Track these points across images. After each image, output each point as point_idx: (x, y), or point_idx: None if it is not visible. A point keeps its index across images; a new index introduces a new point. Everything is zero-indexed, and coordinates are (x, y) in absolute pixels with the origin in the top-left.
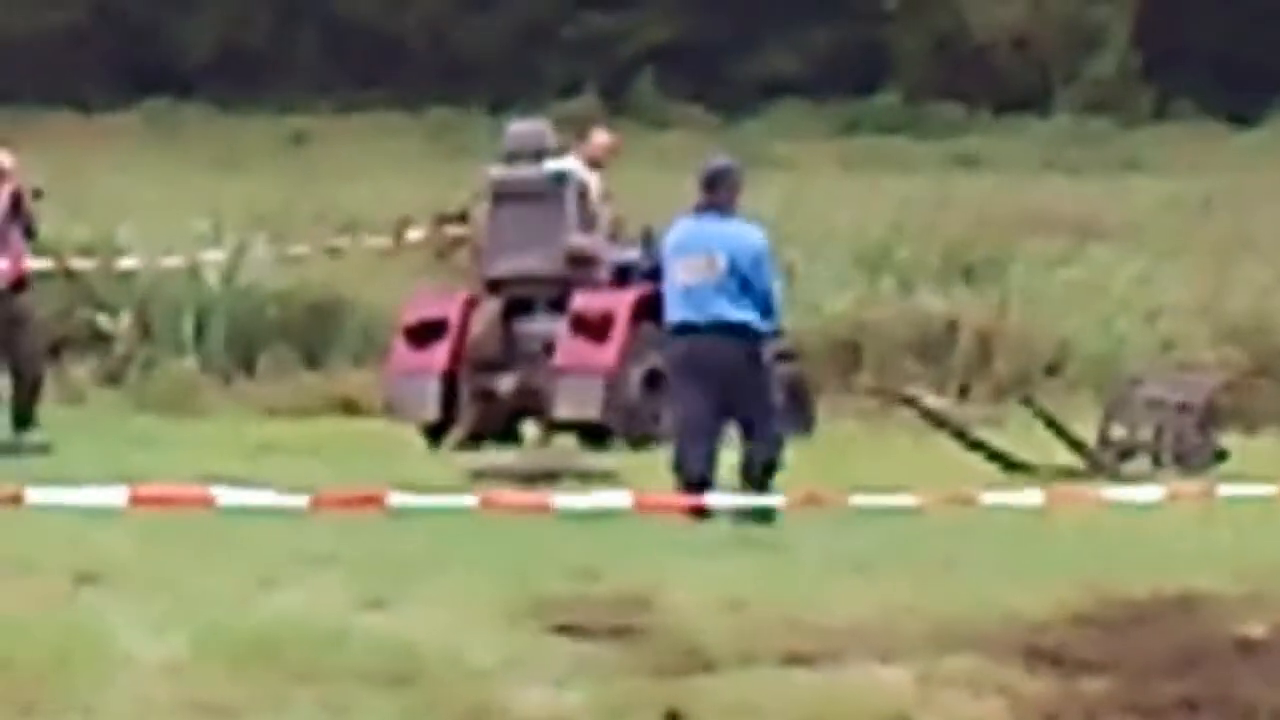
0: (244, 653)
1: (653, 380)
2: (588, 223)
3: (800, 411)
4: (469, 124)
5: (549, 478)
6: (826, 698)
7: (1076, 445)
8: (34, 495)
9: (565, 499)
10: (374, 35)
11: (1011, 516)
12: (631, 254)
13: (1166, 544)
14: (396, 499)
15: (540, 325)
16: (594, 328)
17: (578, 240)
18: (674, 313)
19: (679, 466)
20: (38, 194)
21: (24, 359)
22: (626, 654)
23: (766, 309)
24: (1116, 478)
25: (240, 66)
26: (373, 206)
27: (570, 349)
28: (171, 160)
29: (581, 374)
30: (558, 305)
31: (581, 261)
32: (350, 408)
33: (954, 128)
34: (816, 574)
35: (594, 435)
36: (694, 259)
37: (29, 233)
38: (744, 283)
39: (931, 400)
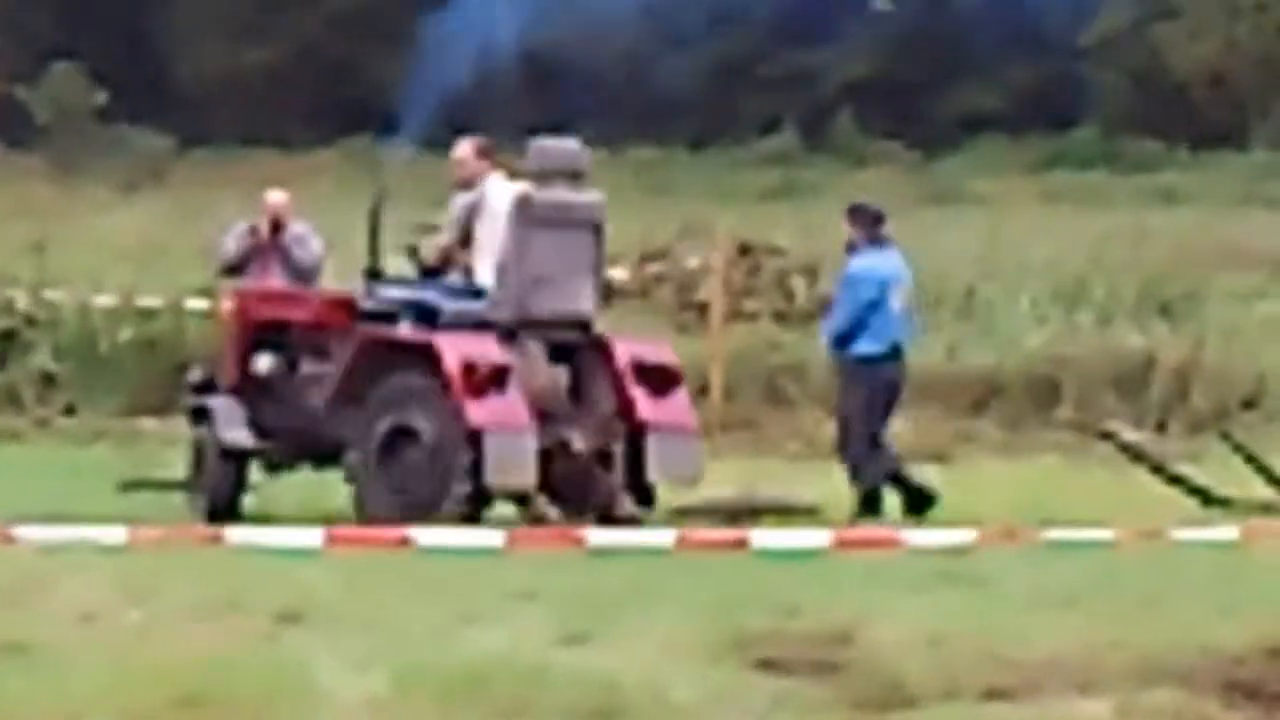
0: (447, 690)
1: None
2: None
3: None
4: (670, 162)
5: (752, 514)
6: None
7: (1274, 479)
8: (234, 535)
9: (763, 536)
10: (573, 73)
11: (1209, 551)
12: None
13: None
14: (594, 537)
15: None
16: (663, 380)
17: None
18: (888, 336)
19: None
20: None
21: None
22: (827, 689)
23: None
24: None
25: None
26: None
27: (650, 404)
28: (371, 198)
29: (680, 434)
30: (568, 352)
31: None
32: None
33: (1151, 163)
34: (1016, 608)
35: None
36: (904, 288)
37: (297, 269)
38: None
39: (1129, 434)
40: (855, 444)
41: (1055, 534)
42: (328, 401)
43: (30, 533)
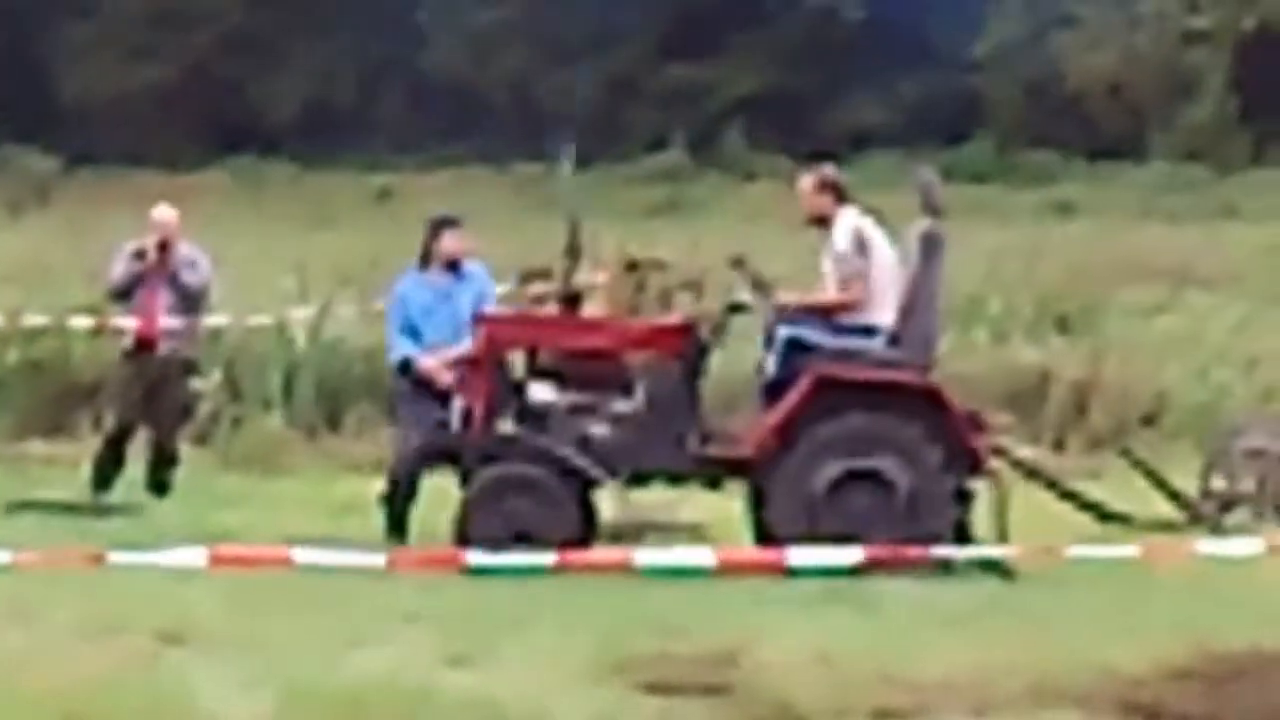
0: (331, 712)
1: None
2: None
3: None
4: (555, 178)
5: (635, 534)
6: None
7: (1176, 497)
8: (116, 556)
9: (646, 556)
10: (458, 90)
11: (1107, 570)
12: None
13: (1267, 598)
14: (474, 558)
15: None
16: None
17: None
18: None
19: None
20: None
21: (156, 424)
22: (715, 711)
23: None
24: (1217, 530)
25: (325, 124)
26: None
27: None
28: (257, 218)
29: None
30: None
31: None
32: None
33: (1048, 176)
34: (907, 628)
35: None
36: None
37: (185, 293)
38: None
39: (1025, 451)
40: None
41: (948, 552)
42: (648, 433)
43: None
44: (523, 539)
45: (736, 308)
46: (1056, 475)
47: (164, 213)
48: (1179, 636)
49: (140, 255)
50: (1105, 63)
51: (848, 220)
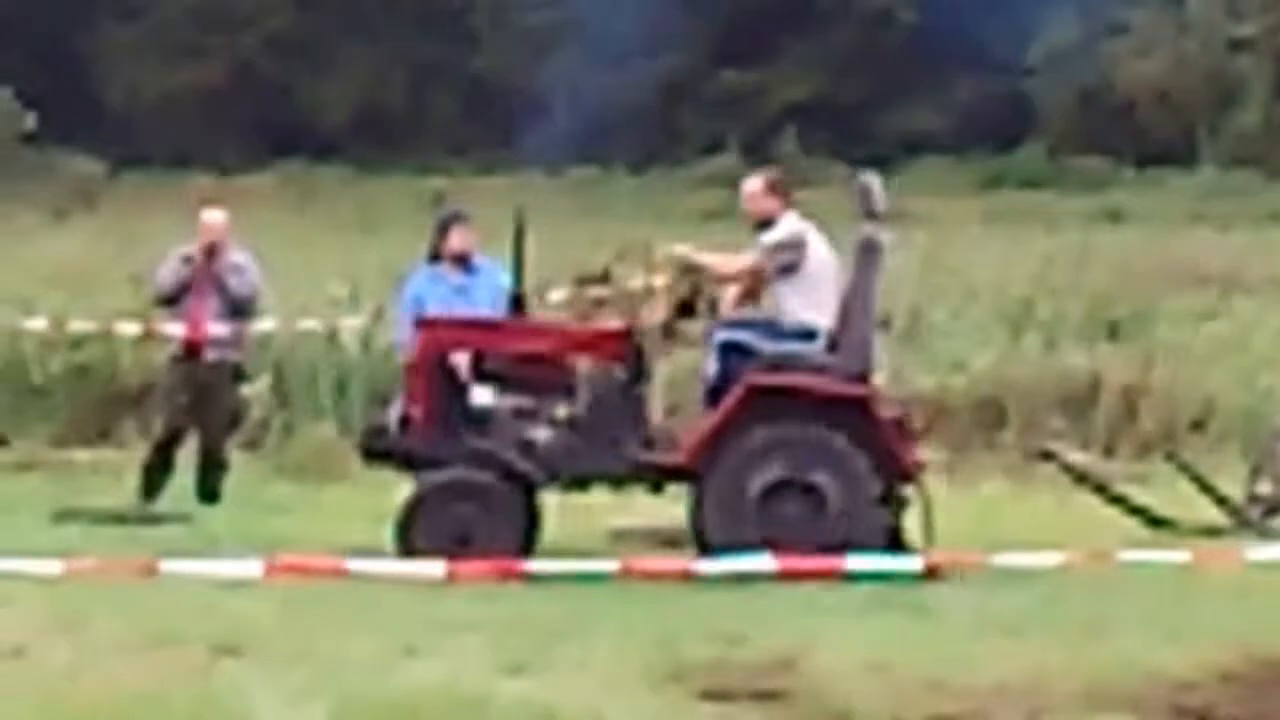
0: None
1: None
2: None
3: None
4: (609, 182)
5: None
6: None
7: (1223, 502)
8: (169, 566)
9: (706, 563)
10: (511, 93)
11: (1157, 574)
12: None
13: None
14: (534, 565)
15: None
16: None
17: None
18: None
19: None
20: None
21: (205, 430)
22: (771, 717)
23: None
24: (1264, 534)
25: (377, 127)
26: None
27: None
28: (308, 222)
29: None
30: None
31: None
32: None
33: (1098, 182)
34: (961, 634)
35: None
36: None
37: (232, 300)
38: None
39: (1076, 457)
40: None
41: (1001, 559)
42: (588, 437)
43: None
44: (466, 544)
45: (686, 310)
46: (1108, 481)
47: (213, 216)
48: (1227, 641)
49: (188, 260)
50: (1154, 69)
51: (788, 223)
